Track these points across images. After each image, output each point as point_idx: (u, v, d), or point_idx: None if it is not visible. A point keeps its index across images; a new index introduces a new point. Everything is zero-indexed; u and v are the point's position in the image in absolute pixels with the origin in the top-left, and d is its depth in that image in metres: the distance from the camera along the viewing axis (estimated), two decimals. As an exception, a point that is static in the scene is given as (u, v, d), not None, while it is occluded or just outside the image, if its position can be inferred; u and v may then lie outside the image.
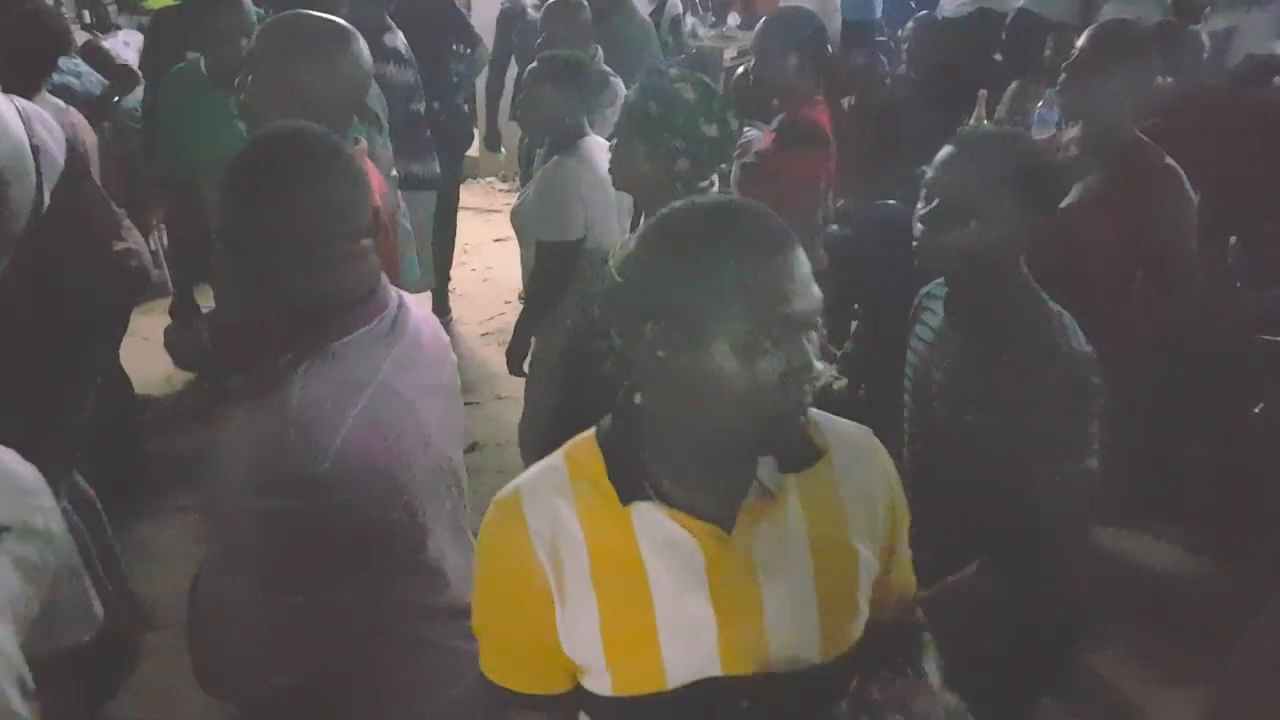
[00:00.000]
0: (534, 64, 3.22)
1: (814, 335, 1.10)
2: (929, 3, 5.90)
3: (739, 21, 8.20)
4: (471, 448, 3.96)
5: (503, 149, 6.58)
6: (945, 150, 1.84)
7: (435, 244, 4.85)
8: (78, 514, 2.52)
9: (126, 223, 2.65)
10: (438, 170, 4.57)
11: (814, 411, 1.22)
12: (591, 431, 1.24)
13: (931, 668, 1.24)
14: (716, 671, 1.18)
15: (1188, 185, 2.61)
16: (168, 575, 3.08)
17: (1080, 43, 2.69)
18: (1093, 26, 2.76)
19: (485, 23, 5.70)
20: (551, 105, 3.10)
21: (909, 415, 2.04)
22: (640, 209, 2.60)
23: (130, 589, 2.94)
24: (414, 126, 4.32)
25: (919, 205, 1.87)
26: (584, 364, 2.08)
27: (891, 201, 3.20)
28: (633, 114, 2.21)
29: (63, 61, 4.45)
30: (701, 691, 1.17)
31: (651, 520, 1.17)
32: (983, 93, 4.36)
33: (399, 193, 3.08)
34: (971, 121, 4.27)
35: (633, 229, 2.94)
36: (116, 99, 4.71)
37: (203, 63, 3.36)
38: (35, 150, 2.14)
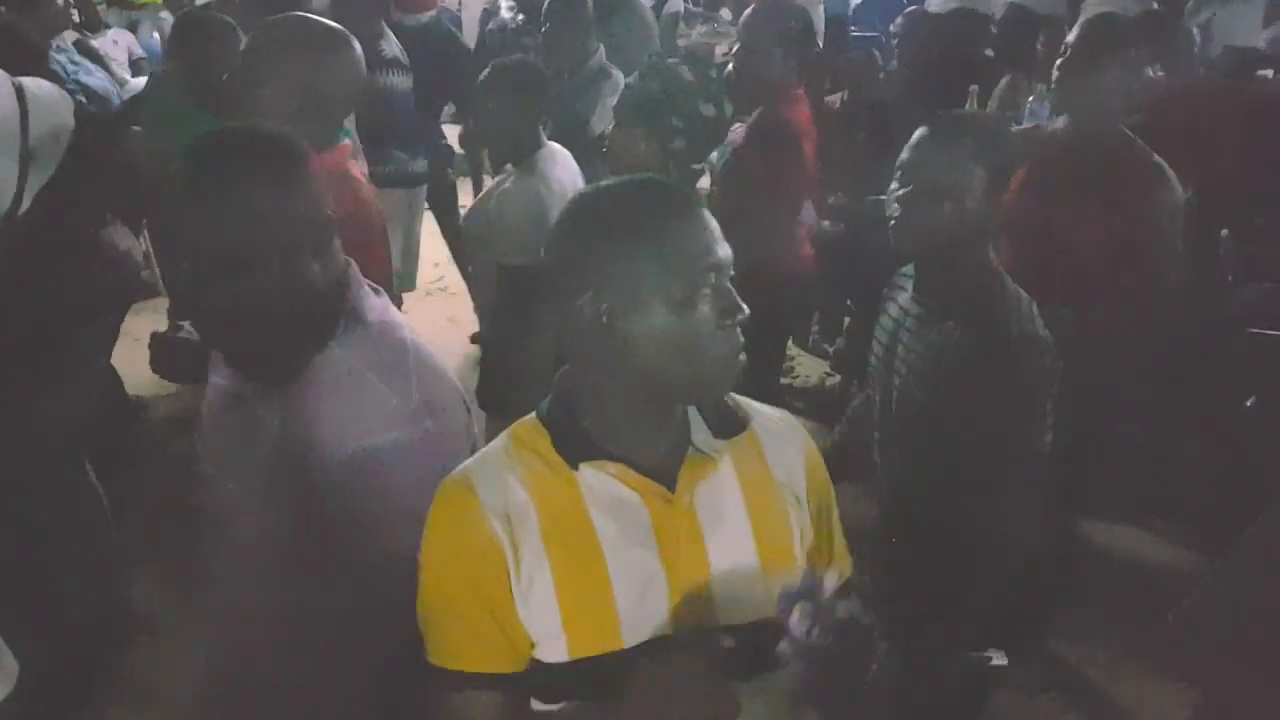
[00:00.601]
0: (485, 73, 3.01)
1: (733, 279, 1.20)
2: (921, -2, 5.92)
3: (730, 18, 8.20)
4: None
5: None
6: (919, 133, 1.89)
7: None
8: (80, 510, 2.52)
9: (117, 226, 2.66)
10: (426, 165, 4.54)
11: (734, 395, 1.33)
12: (532, 414, 1.30)
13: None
14: (668, 630, 1.22)
15: (1176, 182, 2.61)
16: (157, 581, 3.08)
17: (1071, 39, 2.69)
18: (1081, 22, 2.75)
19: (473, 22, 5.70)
20: (505, 116, 2.92)
21: (876, 393, 2.07)
22: None
23: (126, 594, 2.95)
24: (408, 125, 4.31)
25: (893, 187, 1.91)
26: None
27: (884, 197, 3.20)
28: (633, 97, 2.24)
29: (70, 66, 4.45)
30: (656, 649, 1.20)
31: (597, 481, 1.23)
32: (974, 88, 4.37)
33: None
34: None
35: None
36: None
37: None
38: (26, 152, 2.15)
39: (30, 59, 2.76)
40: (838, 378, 4.96)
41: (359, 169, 2.25)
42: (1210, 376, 3.45)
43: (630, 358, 1.18)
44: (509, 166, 2.96)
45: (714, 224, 1.21)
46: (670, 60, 2.40)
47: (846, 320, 5.13)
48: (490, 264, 2.88)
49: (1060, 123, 2.82)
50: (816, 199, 3.74)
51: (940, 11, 5.43)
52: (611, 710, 1.17)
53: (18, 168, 2.19)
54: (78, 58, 4.64)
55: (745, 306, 1.19)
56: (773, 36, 3.19)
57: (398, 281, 3.08)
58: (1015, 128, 3.36)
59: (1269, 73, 4.58)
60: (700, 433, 1.27)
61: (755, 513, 1.29)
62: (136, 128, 4.44)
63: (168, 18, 7.90)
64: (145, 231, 4.99)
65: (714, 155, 3.26)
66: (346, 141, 2.18)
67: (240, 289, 1.32)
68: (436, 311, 5.55)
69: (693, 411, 1.29)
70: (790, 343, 4.90)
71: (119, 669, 2.81)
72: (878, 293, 2.15)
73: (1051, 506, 1.95)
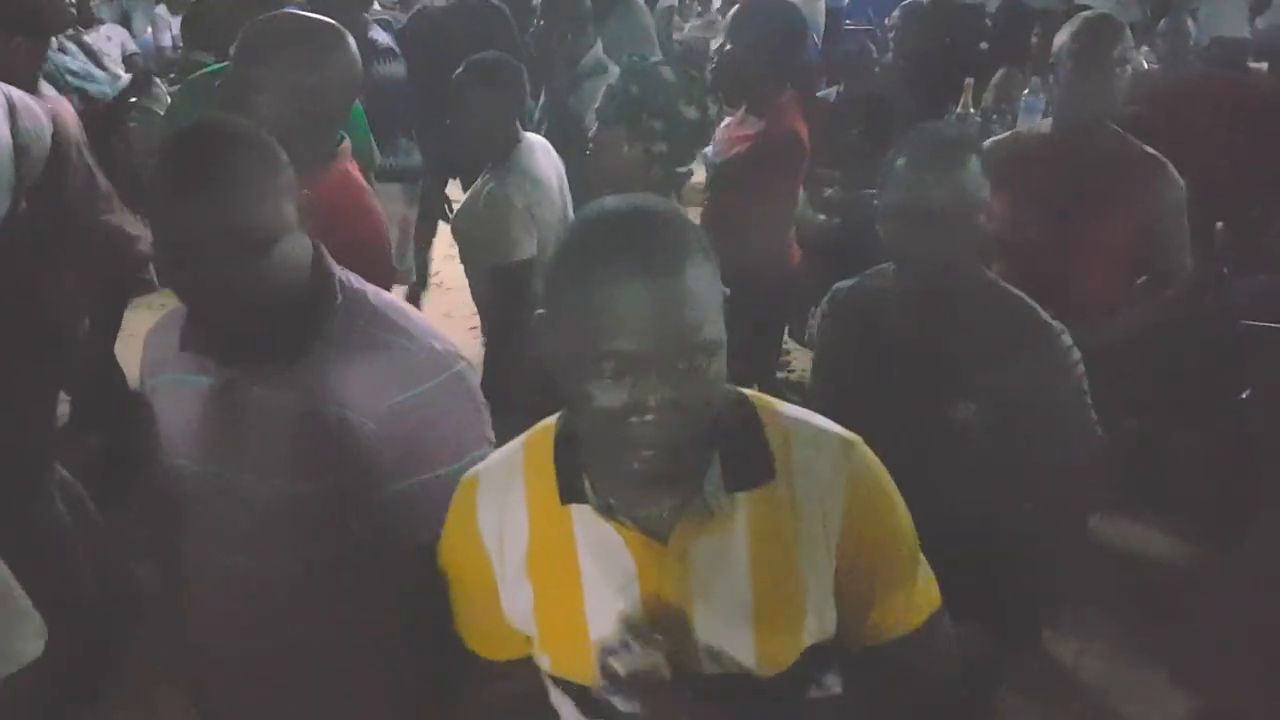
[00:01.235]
0: (460, 69, 2.92)
1: (679, 370, 1.01)
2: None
3: (721, 9, 8.19)
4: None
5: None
6: (903, 159, 1.81)
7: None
8: (64, 507, 2.52)
9: (123, 211, 2.66)
10: (419, 161, 4.52)
11: (792, 413, 1.20)
12: (554, 418, 1.25)
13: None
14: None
15: (1176, 175, 2.61)
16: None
17: (1062, 39, 2.66)
18: (1072, 22, 2.72)
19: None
20: (483, 112, 2.84)
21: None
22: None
23: (128, 582, 2.94)
24: (402, 121, 4.29)
25: (881, 203, 1.84)
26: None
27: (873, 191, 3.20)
28: (614, 98, 2.22)
29: (71, 62, 4.44)
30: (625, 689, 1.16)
31: (589, 520, 1.17)
32: (969, 81, 4.36)
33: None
34: (958, 110, 4.28)
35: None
36: (133, 99, 4.67)
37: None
38: (19, 148, 2.15)
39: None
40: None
41: (357, 173, 2.21)
42: (1206, 369, 3.45)
43: (574, 412, 1.13)
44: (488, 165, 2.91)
45: (660, 307, 1.00)
46: (654, 60, 2.37)
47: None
48: (482, 264, 2.88)
49: (1048, 124, 2.78)
50: (811, 192, 3.74)
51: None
52: None
53: (12, 167, 2.21)
54: (82, 58, 4.62)
55: (657, 412, 1.01)
56: (757, 37, 3.06)
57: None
58: (1001, 132, 3.32)
59: (1262, 65, 4.58)
60: (713, 481, 1.14)
61: (760, 565, 1.17)
62: (133, 124, 4.45)
63: (163, 13, 7.90)
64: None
65: (708, 150, 3.23)
66: (346, 142, 2.16)
67: (221, 271, 1.32)
68: (432, 308, 5.54)
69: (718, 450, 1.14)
70: (786, 336, 4.90)
71: (126, 658, 2.81)
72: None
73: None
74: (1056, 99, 2.72)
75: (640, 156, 2.18)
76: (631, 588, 1.16)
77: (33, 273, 2.35)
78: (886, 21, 5.81)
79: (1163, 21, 4.47)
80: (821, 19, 6.18)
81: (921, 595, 1.26)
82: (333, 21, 2.08)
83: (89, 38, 5.41)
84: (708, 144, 2.40)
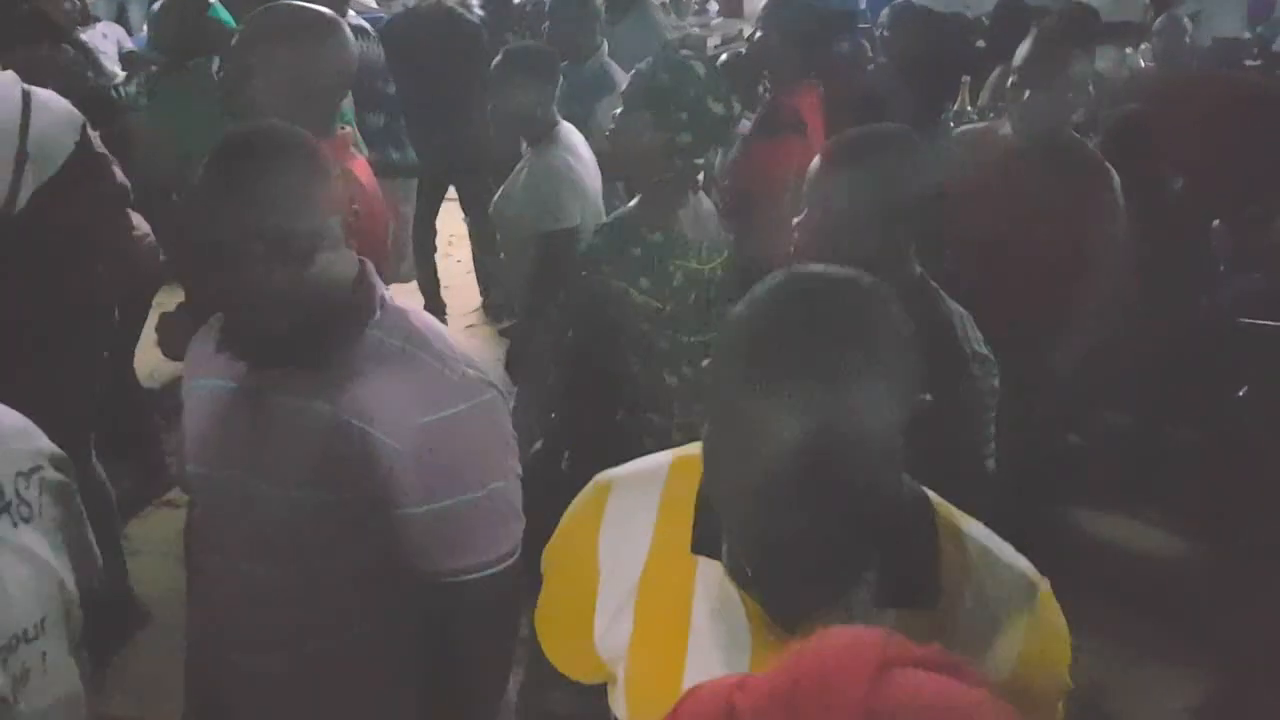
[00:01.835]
0: (500, 57, 3.18)
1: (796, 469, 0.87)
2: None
3: (717, 9, 8.23)
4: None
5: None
6: (814, 162, 1.78)
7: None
8: (87, 497, 2.53)
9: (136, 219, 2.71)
10: (414, 159, 4.53)
11: (978, 534, 1.07)
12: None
13: None
14: None
15: (1119, 185, 2.62)
16: (156, 572, 3.08)
17: (1026, 48, 2.64)
18: (1039, 24, 2.71)
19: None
20: (523, 97, 3.05)
21: None
22: (631, 187, 2.58)
23: (129, 584, 2.95)
24: (389, 112, 4.30)
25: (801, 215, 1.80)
26: (581, 351, 2.06)
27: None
28: (643, 83, 2.24)
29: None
30: None
31: (714, 578, 1.05)
32: (966, 79, 4.36)
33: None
34: (954, 108, 4.28)
35: (608, 213, 2.92)
36: (128, 76, 4.66)
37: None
38: (23, 155, 2.20)
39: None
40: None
41: (363, 160, 2.24)
42: (1202, 367, 3.46)
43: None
44: (526, 150, 3.10)
45: (804, 441, 0.87)
46: (684, 52, 2.41)
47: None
48: (524, 240, 3.00)
49: (1008, 126, 2.75)
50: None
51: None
52: None
53: (13, 166, 2.24)
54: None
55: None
56: (785, 27, 3.26)
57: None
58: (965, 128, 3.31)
59: (1257, 63, 4.60)
60: (863, 589, 0.99)
61: None
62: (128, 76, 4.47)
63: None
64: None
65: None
66: (348, 130, 2.19)
67: (263, 277, 1.35)
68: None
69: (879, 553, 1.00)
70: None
71: (120, 657, 2.82)
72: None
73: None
74: (1014, 110, 2.67)
75: (662, 145, 2.20)
76: (740, 663, 1.03)
77: (66, 258, 2.43)
78: (878, 21, 5.80)
79: (1159, 20, 4.50)
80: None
81: None
82: (327, 10, 2.12)
83: (84, 35, 5.38)
84: (728, 142, 2.42)
